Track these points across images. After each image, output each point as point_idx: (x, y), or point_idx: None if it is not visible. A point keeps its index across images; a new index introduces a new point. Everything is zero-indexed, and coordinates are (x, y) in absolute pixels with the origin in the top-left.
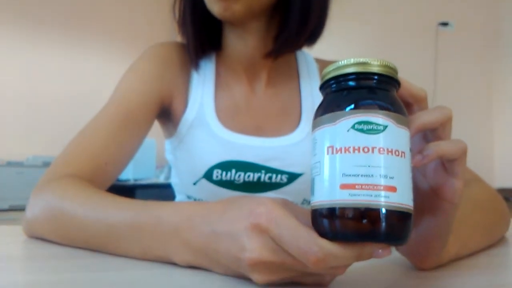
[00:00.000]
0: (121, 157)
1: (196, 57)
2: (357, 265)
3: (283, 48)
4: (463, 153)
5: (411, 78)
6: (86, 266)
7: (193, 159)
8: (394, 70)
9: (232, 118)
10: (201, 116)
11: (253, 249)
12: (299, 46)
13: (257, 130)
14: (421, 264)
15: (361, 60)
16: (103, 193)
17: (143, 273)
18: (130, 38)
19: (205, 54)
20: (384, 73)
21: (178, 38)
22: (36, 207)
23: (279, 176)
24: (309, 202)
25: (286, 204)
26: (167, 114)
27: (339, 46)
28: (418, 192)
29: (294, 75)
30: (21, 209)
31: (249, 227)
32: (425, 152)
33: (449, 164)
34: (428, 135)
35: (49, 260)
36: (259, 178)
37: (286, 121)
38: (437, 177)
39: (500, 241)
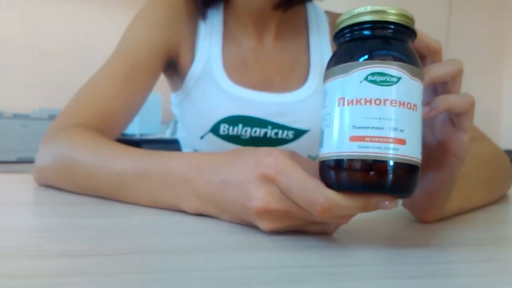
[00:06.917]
0: (128, 108)
1: (204, 6)
2: (361, 216)
3: None
4: (471, 107)
5: (424, 30)
6: (96, 212)
7: (200, 113)
8: (412, 20)
9: (240, 72)
10: (209, 69)
11: (260, 197)
12: None
13: (265, 85)
14: (424, 216)
15: (378, 8)
16: (112, 142)
17: (153, 219)
18: None
19: (213, 3)
20: (401, 22)
21: None
22: (45, 155)
23: (285, 132)
24: (314, 158)
25: (294, 156)
26: (173, 66)
27: None
28: (424, 145)
29: (303, 28)
30: (28, 161)
31: (257, 177)
32: (433, 105)
33: (456, 118)
34: (437, 87)
35: (60, 206)
36: (265, 133)
37: (294, 77)
38: (444, 131)
39: (502, 198)
